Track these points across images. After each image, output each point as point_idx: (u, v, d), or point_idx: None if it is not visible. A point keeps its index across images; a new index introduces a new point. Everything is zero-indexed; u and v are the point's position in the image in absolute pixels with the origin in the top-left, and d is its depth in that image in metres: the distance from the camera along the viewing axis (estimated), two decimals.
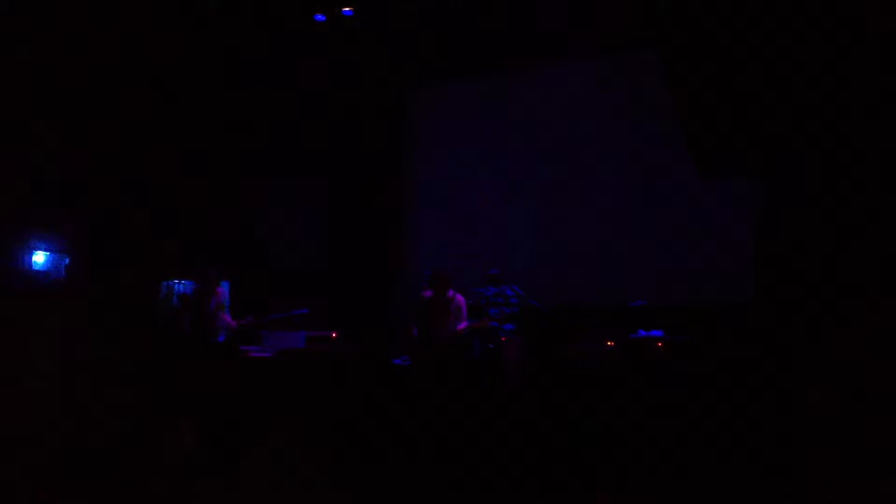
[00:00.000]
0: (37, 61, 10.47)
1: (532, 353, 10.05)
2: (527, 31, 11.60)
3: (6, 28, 10.14)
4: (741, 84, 9.65)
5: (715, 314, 9.71)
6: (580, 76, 12.09)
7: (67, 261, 11.16)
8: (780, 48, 8.37)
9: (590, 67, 12.03)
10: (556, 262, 11.86)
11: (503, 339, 9.92)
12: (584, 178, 11.96)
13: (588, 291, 11.46)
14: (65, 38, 10.61)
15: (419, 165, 13.65)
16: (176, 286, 10.60)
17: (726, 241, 10.68)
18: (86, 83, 10.94)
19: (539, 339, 10.41)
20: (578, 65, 12.06)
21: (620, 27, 11.10)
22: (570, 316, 10.81)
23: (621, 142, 11.71)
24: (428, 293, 9.19)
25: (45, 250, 11.03)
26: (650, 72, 11.13)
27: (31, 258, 10.83)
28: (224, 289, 9.72)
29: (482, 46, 12.26)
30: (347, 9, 11.83)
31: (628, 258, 11.39)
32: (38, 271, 10.87)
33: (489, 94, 12.94)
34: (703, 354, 8.58)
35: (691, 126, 10.40)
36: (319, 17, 12.06)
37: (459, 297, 9.17)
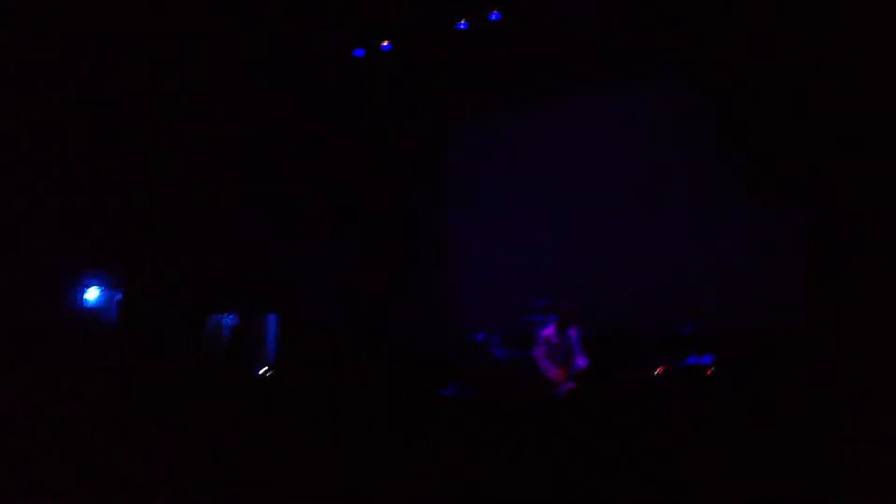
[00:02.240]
0: (84, 95, 10.74)
1: (581, 380, 9.94)
2: (568, 57, 11.57)
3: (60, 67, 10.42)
4: (784, 113, 9.64)
5: (765, 339, 9.55)
6: (615, 102, 12.03)
7: (119, 296, 11.36)
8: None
9: (623, 93, 11.97)
10: (603, 288, 11.73)
11: None
12: (630, 204, 11.84)
13: (636, 317, 11.32)
14: (107, 71, 10.88)
15: (455, 196, 13.68)
16: (223, 319, 10.71)
17: (774, 266, 10.51)
18: (140, 120, 11.20)
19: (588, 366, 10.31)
20: (613, 91, 12.02)
21: (659, 53, 11.06)
22: (618, 342, 10.70)
23: (665, 168, 11.59)
24: (548, 330, 9.00)
25: (98, 286, 11.24)
26: (687, 97, 11.09)
27: (83, 294, 11.05)
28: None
29: (519, 76, 12.28)
30: (386, 43, 11.96)
31: (676, 283, 11.21)
32: (90, 307, 11.07)
33: (528, 122, 12.92)
34: (755, 381, 8.42)
35: (739, 154, 10.39)
36: (359, 52, 12.19)
37: (572, 331, 9.02)
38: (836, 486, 4.13)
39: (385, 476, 4.29)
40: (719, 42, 10.46)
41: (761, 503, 4.13)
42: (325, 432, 4.96)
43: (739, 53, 10.22)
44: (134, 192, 11.30)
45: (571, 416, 6.35)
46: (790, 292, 10.25)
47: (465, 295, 13.07)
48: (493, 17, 11.35)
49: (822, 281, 9.98)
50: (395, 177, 13.38)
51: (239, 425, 4.79)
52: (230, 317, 9.94)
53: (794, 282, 10.25)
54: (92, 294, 11.15)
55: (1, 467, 3.82)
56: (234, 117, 12.31)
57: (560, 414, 6.89)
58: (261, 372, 9.40)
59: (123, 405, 5.12)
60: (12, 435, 4.22)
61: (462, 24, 11.48)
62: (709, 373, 9.12)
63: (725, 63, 10.48)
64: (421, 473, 4.47)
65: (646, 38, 10.89)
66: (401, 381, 10.87)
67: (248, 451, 4.40)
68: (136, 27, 10.73)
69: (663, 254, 11.43)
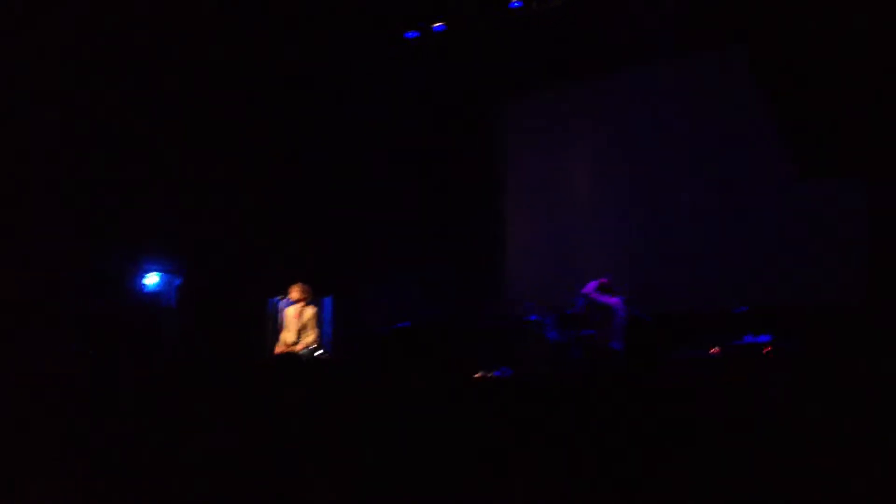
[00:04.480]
0: (151, 86, 10.93)
1: (634, 361, 9.90)
2: (614, 35, 11.40)
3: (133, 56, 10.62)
4: (841, 84, 9.38)
5: (822, 316, 9.36)
6: (670, 77, 11.82)
7: (179, 282, 11.58)
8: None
9: (679, 67, 11.74)
10: (655, 268, 11.61)
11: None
12: (678, 181, 11.68)
13: (689, 297, 11.20)
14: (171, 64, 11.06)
15: (512, 176, 13.62)
16: (280, 303, 10.87)
17: (828, 241, 10.28)
18: (198, 110, 11.38)
19: (640, 347, 10.24)
20: (668, 66, 11.80)
21: (709, 26, 10.84)
22: (671, 322, 10.60)
23: (716, 141, 11.39)
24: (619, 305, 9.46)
25: (157, 271, 11.47)
26: (743, 70, 10.85)
27: (143, 280, 11.28)
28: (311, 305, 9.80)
29: (568, 53, 12.14)
30: (439, 24, 11.91)
31: (730, 262, 11.05)
32: (150, 293, 11.31)
33: (577, 99, 12.78)
34: (813, 360, 8.27)
35: (790, 127, 10.16)
36: (411, 34, 12.16)
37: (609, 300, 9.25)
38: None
39: (434, 460, 4.34)
40: (778, 13, 10.21)
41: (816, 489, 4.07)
42: (374, 414, 5.02)
43: (787, 24, 9.97)
44: (193, 177, 11.49)
45: (627, 398, 6.33)
46: (849, 268, 10.03)
47: (518, 276, 13.05)
48: None
49: (883, 256, 9.75)
50: (450, 158, 13.35)
51: (293, 407, 4.87)
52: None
53: (853, 257, 10.02)
54: (151, 279, 11.39)
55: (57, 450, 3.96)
56: (287, 104, 12.44)
57: (615, 395, 6.87)
58: (316, 354, 9.53)
59: (183, 389, 5.24)
60: (72, 414, 4.36)
61: (515, 2, 11.41)
62: (766, 351, 9.00)
63: (783, 32, 10.24)
64: (471, 457, 4.51)
65: (699, 9, 10.68)
66: (451, 363, 10.94)
67: (302, 433, 4.49)
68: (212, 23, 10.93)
69: (718, 232, 11.27)
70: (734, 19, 10.60)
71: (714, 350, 9.23)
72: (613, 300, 9.22)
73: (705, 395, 5.70)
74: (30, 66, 9.68)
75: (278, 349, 9.59)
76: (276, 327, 10.30)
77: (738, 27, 10.65)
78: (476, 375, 9.75)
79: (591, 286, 9.38)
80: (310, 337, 9.53)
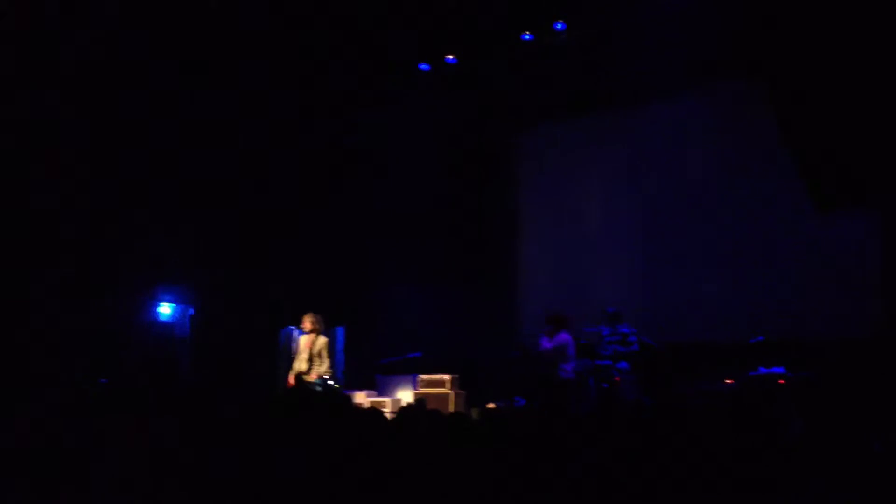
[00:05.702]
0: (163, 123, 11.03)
1: (648, 392, 9.85)
2: (630, 69, 11.45)
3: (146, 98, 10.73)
4: (857, 119, 9.36)
5: (838, 349, 9.29)
6: (684, 110, 11.85)
7: (192, 311, 11.62)
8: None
9: (694, 101, 11.78)
10: (669, 299, 11.58)
11: (616, 378, 9.77)
12: (694, 213, 11.68)
13: (704, 328, 11.15)
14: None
15: (525, 207, 13.64)
16: (294, 332, 10.90)
17: (844, 273, 10.23)
18: (212, 141, 11.47)
19: (655, 377, 10.19)
20: (682, 99, 11.83)
21: (724, 60, 10.87)
22: (686, 353, 10.56)
23: (731, 174, 11.39)
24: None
25: (171, 302, 11.51)
26: (758, 104, 10.88)
27: (157, 310, 11.33)
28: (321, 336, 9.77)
29: (585, 86, 12.21)
30: (451, 56, 12.02)
31: (744, 293, 11.00)
32: (164, 323, 11.35)
33: (594, 132, 12.83)
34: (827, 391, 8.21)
35: (805, 161, 10.16)
36: (424, 66, 12.28)
37: (561, 337, 9.52)
38: None
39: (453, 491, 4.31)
40: (782, 49, 10.26)
41: None
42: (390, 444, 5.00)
43: (802, 60, 10.01)
44: (208, 209, 11.55)
45: (639, 429, 6.29)
46: (865, 301, 9.98)
47: (532, 305, 13.03)
48: (558, 27, 11.41)
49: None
50: (461, 189, 13.39)
51: (309, 435, 4.85)
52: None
53: (866, 289, 9.97)
54: (165, 309, 11.43)
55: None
56: (301, 136, 12.53)
57: (628, 426, 6.82)
58: (328, 382, 9.52)
59: (197, 418, 5.24)
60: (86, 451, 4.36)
61: (527, 35, 11.53)
62: (780, 382, 8.94)
63: (789, 69, 10.29)
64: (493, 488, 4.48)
65: (714, 43, 10.73)
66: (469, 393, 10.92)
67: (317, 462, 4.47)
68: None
69: (731, 263, 11.24)
70: (750, 54, 10.64)
71: (729, 381, 9.19)
72: (563, 337, 9.59)
73: (721, 425, 5.65)
74: (38, 97, 9.75)
75: (291, 378, 9.59)
76: (290, 356, 10.30)
77: (753, 61, 10.68)
78: (489, 405, 9.75)
79: (544, 344, 9.79)
80: (322, 366, 9.52)
